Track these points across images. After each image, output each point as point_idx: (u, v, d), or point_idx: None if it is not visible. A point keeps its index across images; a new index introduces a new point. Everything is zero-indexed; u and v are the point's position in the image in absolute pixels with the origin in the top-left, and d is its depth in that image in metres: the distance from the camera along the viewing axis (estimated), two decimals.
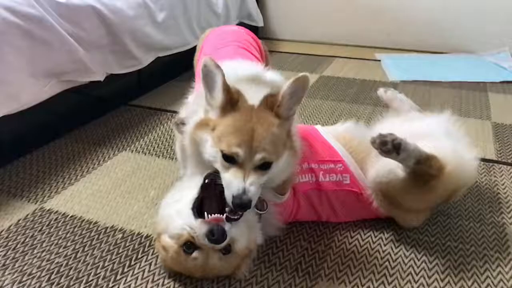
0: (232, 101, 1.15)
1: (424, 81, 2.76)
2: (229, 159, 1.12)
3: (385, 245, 1.33)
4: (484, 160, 1.80)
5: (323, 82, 2.77)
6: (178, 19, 2.48)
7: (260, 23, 3.54)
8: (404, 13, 3.47)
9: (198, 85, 1.38)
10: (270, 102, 1.17)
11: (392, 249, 1.31)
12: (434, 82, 2.74)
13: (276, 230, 1.33)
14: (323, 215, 1.40)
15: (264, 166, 1.14)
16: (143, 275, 1.21)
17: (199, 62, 1.47)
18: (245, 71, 1.33)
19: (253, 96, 1.18)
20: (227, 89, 1.13)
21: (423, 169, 1.21)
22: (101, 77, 2.00)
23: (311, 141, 1.44)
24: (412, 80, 2.78)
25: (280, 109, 1.16)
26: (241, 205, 1.10)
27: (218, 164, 1.15)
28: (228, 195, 1.11)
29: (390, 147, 1.17)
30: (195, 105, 1.29)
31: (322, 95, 2.53)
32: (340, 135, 1.49)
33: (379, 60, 3.24)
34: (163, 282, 1.18)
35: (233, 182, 1.11)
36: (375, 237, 1.36)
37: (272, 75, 1.36)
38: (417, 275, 1.21)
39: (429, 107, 2.32)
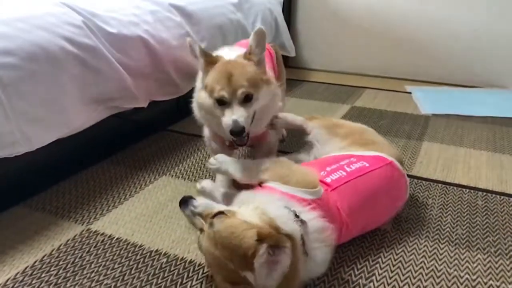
0: (211, 60, 1.57)
1: (457, 115, 2.77)
2: (220, 102, 1.50)
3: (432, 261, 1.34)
4: None
5: (355, 112, 2.81)
6: (217, 49, 2.56)
7: (292, 53, 3.62)
8: (435, 46, 3.51)
9: None
10: (244, 54, 1.58)
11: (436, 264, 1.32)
12: (466, 117, 2.75)
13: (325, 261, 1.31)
14: (367, 213, 1.43)
15: (247, 99, 1.51)
16: None
17: None
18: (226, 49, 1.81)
19: (226, 56, 1.61)
20: (204, 53, 1.57)
21: None
22: (145, 104, 2.09)
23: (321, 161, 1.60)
24: (444, 114, 2.80)
25: (251, 55, 1.57)
26: (236, 132, 1.46)
27: (217, 111, 1.53)
28: (226, 130, 1.49)
29: None
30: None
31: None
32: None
33: (410, 92, 3.27)
34: None
35: (226, 120, 1.48)
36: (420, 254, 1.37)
37: (243, 49, 1.70)
38: None
39: (463, 141, 2.36)
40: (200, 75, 1.69)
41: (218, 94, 1.50)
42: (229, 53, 1.68)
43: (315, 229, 1.24)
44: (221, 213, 1.17)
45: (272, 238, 1.08)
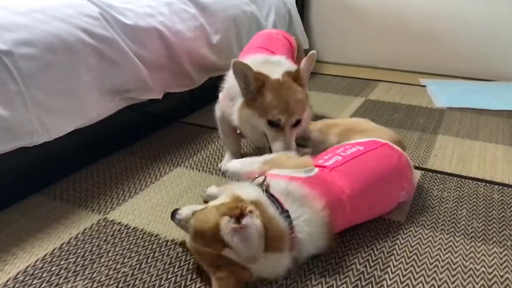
0: (261, 83, 1.59)
1: (471, 109, 2.75)
2: (273, 124, 1.60)
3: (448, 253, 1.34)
4: None
5: (369, 106, 2.80)
6: (231, 41, 2.57)
7: (305, 46, 3.60)
8: (449, 38, 3.48)
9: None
10: (291, 76, 1.65)
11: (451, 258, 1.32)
12: (481, 110, 2.73)
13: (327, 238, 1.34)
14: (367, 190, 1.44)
15: (296, 123, 1.64)
16: None
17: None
18: (259, 59, 1.81)
19: (269, 72, 1.64)
20: (257, 77, 1.58)
21: None
22: (159, 95, 2.10)
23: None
24: (458, 107, 2.77)
25: (301, 81, 1.66)
26: None
27: (264, 129, 1.64)
28: (275, 151, 1.60)
29: None
30: (230, 95, 1.76)
31: (369, 119, 2.55)
32: None
33: (424, 86, 3.24)
34: None
35: (278, 141, 1.61)
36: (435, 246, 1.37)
37: (277, 58, 1.84)
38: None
39: (478, 135, 2.34)
40: (231, 80, 1.72)
41: (275, 117, 1.59)
42: (259, 64, 1.69)
43: (297, 194, 1.29)
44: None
45: (232, 208, 1.14)
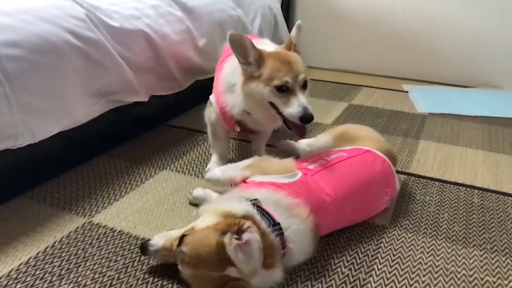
0: (260, 52, 1.58)
1: (452, 115, 2.81)
2: (281, 89, 1.53)
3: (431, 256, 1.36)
4: None
5: (352, 110, 2.84)
6: (216, 45, 2.57)
7: None
8: (432, 45, 3.54)
9: (217, 80, 1.87)
10: (286, 46, 1.68)
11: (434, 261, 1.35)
12: (462, 116, 2.79)
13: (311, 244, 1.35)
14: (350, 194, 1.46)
15: (304, 84, 1.58)
16: None
17: (219, 65, 1.95)
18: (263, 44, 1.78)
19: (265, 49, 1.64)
20: (254, 46, 1.56)
21: None
22: (145, 98, 2.09)
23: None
24: (440, 113, 2.83)
25: (296, 47, 1.68)
26: (307, 118, 1.51)
27: (273, 98, 1.57)
28: (294, 116, 1.53)
29: None
30: (229, 88, 1.75)
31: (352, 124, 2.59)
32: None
33: (406, 92, 3.30)
34: None
35: (293, 105, 1.53)
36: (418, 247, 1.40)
37: (265, 41, 1.89)
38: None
39: (459, 140, 2.39)
40: (229, 70, 1.76)
41: (282, 81, 1.53)
42: (261, 46, 1.68)
43: (284, 205, 1.30)
44: (183, 236, 1.20)
45: (230, 225, 1.13)
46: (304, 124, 1.55)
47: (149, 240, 1.29)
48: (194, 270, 1.16)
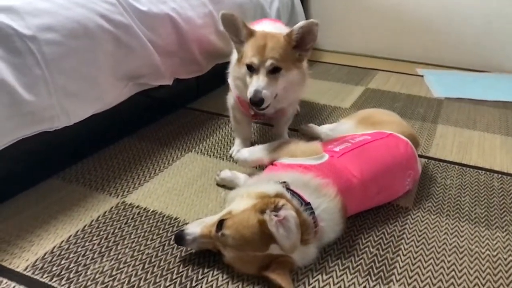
0: (251, 33, 1.63)
1: (469, 99, 2.83)
2: (250, 68, 1.59)
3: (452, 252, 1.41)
4: None
5: (369, 95, 2.86)
6: None
7: None
8: (446, 29, 3.54)
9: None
10: (285, 33, 1.61)
11: (457, 257, 1.40)
12: (478, 101, 2.81)
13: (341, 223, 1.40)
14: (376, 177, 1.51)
15: (274, 70, 1.58)
16: (228, 270, 1.31)
17: None
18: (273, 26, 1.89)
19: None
20: (245, 24, 1.63)
21: None
22: (170, 81, 2.13)
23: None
24: (456, 97, 2.85)
25: (290, 35, 1.60)
26: (255, 102, 1.56)
27: (246, 78, 1.62)
28: (248, 97, 1.57)
29: None
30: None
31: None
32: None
33: (421, 76, 3.31)
34: (247, 277, 1.28)
35: (251, 86, 1.57)
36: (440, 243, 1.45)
37: (277, 25, 1.93)
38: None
39: (476, 125, 2.42)
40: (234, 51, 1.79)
41: (249, 60, 1.60)
42: (270, 26, 1.78)
43: (313, 185, 1.35)
44: (221, 221, 1.24)
45: (268, 204, 1.19)
46: (254, 106, 1.59)
47: (182, 230, 1.30)
48: (238, 252, 1.21)
